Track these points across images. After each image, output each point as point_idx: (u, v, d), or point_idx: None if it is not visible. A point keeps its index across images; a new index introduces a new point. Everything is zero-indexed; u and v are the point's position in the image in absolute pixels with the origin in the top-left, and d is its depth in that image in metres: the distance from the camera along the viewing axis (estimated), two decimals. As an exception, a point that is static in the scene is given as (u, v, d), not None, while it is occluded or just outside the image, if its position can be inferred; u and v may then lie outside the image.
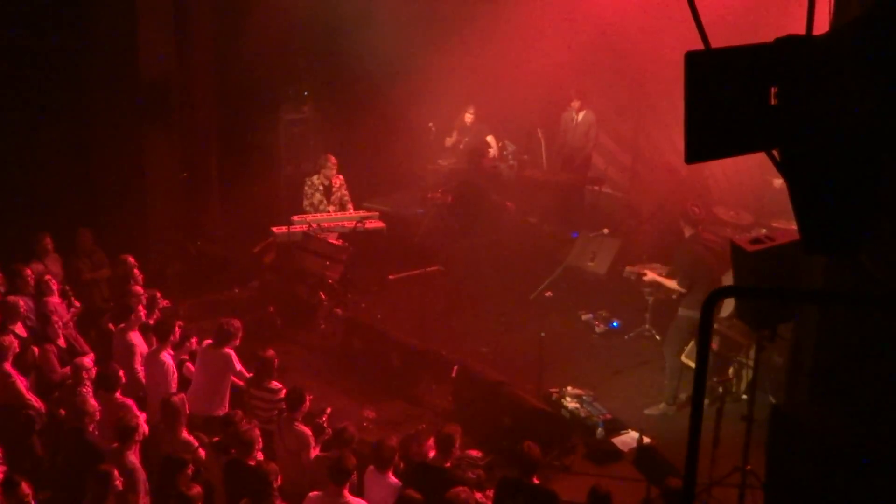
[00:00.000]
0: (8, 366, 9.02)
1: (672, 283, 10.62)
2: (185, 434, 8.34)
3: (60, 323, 10.01)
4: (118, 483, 7.35)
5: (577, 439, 9.80)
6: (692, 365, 10.78)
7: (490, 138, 15.16)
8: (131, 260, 11.23)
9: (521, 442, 7.93)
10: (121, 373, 8.97)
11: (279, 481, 7.42)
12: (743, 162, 12.76)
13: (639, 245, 13.19)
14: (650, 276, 11.10)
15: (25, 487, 7.30)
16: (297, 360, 11.47)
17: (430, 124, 15.23)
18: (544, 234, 14.01)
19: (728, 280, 10.68)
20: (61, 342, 9.86)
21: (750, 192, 13.41)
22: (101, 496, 7.29)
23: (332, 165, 13.25)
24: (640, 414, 10.32)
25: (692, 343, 10.83)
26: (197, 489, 7.31)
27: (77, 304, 10.80)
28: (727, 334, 10.42)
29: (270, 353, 9.31)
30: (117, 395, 8.80)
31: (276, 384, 9.18)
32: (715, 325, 9.94)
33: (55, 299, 10.39)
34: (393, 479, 7.85)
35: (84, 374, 9.02)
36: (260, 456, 8.04)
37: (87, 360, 9.27)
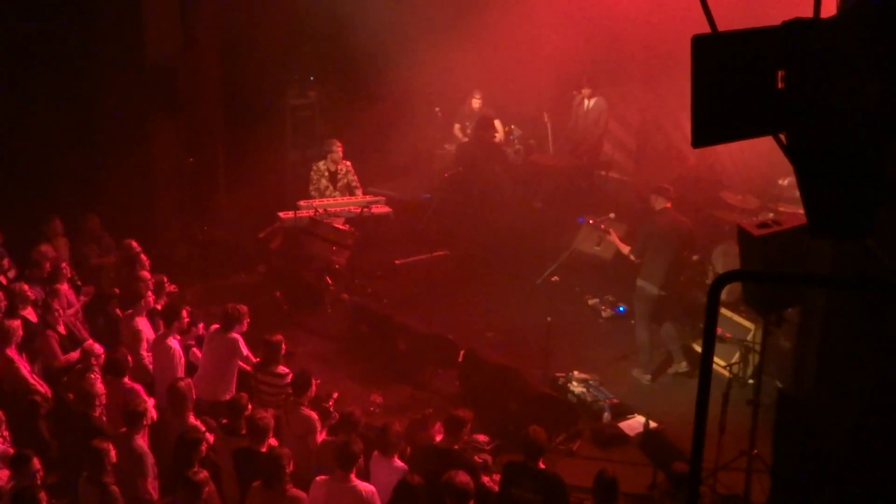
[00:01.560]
0: (11, 351, 9.01)
1: (626, 249, 11.00)
2: (191, 419, 8.37)
3: (62, 310, 9.98)
4: (113, 457, 7.38)
5: (584, 424, 9.81)
6: (699, 349, 10.83)
7: (496, 123, 15.14)
8: (135, 245, 11.25)
9: (531, 424, 7.95)
10: (129, 358, 9.01)
11: (291, 467, 7.43)
12: (749, 146, 12.72)
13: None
14: (613, 236, 11.32)
15: (37, 463, 7.36)
16: (304, 344, 11.48)
17: (437, 109, 15.21)
18: (550, 218, 14.00)
19: (728, 261, 10.77)
20: (61, 329, 9.82)
21: (757, 175, 13.37)
22: (96, 472, 7.32)
23: (338, 150, 13.25)
24: (647, 398, 10.34)
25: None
26: (203, 474, 7.34)
27: (90, 288, 10.81)
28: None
29: (278, 337, 9.32)
30: (125, 380, 8.82)
31: (282, 369, 9.20)
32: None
33: (65, 286, 10.43)
34: (398, 463, 7.86)
35: (93, 360, 9.04)
36: (273, 442, 8.07)
37: (97, 346, 9.29)
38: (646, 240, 10.68)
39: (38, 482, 7.37)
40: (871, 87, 3.26)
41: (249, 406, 8.41)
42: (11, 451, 7.94)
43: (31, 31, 12.50)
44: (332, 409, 8.83)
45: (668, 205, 10.61)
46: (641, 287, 10.71)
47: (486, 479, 7.93)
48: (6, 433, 8.25)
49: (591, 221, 12.37)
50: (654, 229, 10.63)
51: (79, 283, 10.86)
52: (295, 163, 15.02)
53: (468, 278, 12.93)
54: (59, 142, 13.01)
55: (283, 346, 9.36)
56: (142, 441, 7.98)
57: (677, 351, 10.83)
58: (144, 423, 8.07)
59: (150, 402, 8.59)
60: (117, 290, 10.83)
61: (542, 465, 7.74)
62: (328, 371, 10.60)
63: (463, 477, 7.16)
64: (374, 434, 8.16)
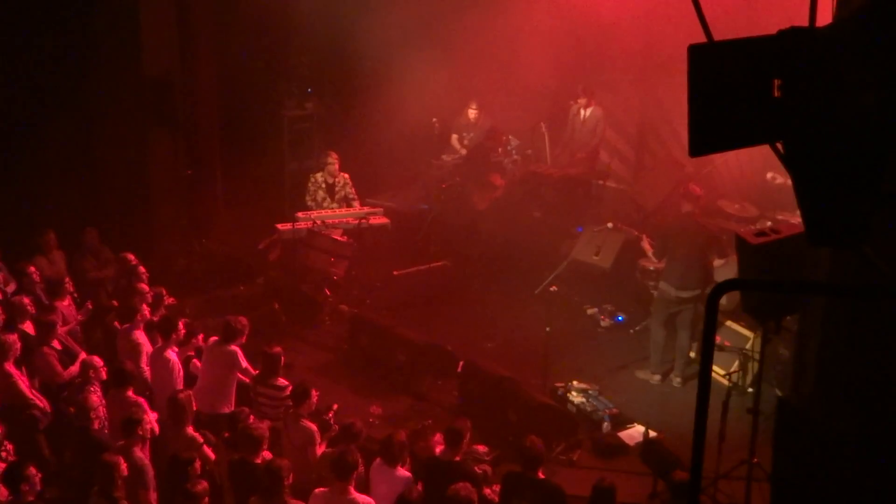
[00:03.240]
0: (9, 366, 8.97)
1: (650, 252, 11.11)
2: (190, 431, 8.35)
3: (58, 326, 9.94)
4: (124, 470, 7.37)
5: (583, 434, 9.80)
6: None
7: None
8: (131, 257, 11.24)
9: (529, 434, 7.94)
10: (132, 369, 9.00)
11: (291, 479, 7.40)
12: (747, 155, 12.76)
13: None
14: (644, 242, 11.34)
15: (32, 470, 7.34)
16: (303, 356, 11.47)
17: (434, 120, 15.21)
18: (549, 228, 14.00)
19: (727, 270, 10.77)
20: (56, 344, 9.77)
21: (754, 184, 13.40)
22: (107, 486, 7.31)
23: (334, 162, 13.25)
24: (647, 408, 10.33)
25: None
26: (203, 485, 7.32)
27: (89, 305, 10.80)
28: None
29: (277, 349, 9.31)
30: (129, 392, 8.81)
31: (282, 381, 9.19)
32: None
33: (66, 302, 10.41)
34: (401, 472, 7.83)
35: (91, 374, 9.02)
36: (267, 454, 8.05)
37: (96, 359, 9.27)
38: (663, 241, 10.74)
39: (35, 496, 7.35)
40: (867, 94, 3.26)
41: (251, 419, 8.41)
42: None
43: (29, 45, 12.51)
44: (332, 421, 8.81)
45: (693, 209, 10.61)
46: (662, 289, 10.79)
47: (487, 490, 7.91)
48: (10, 447, 8.22)
49: (613, 225, 12.37)
50: (670, 231, 10.70)
51: (75, 295, 10.84)
52: (293, 174, 15.02)
53: (467, 289, 12.92)
54: (57, 155, 13.01)
55: (283, 358, 9.35)
56: (140, 453, 7.96)
57: (681, 364, 10.81)
58: (144, 434, 8.05)
59: (154, 416, 8.58)
60: (116, 303, 10.82)
61: (541, 475, 7.73)
62: (327, 383, 10.59)
63: (466, 490, 7.14)
64: (375, 446, 8.14)
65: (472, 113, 15.11)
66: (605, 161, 15.11)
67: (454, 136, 15.29)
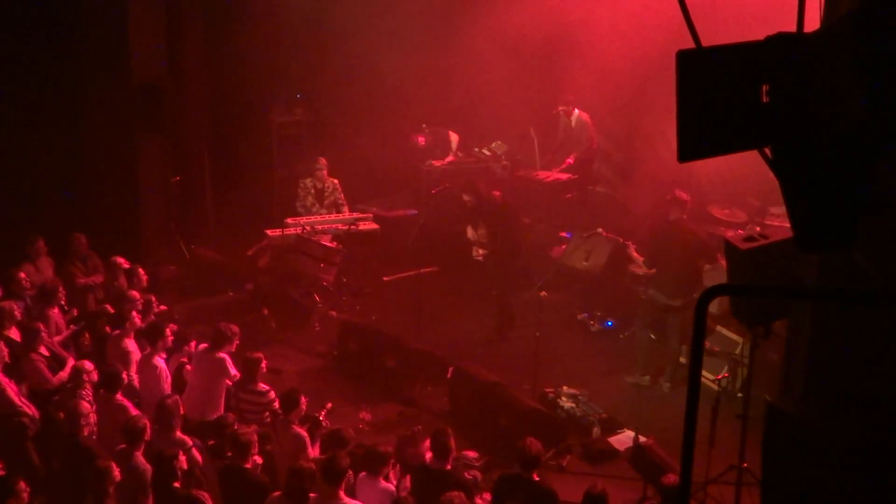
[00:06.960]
0: (-5, 372, 8.95)
1: (640, 259, 11.10)
2: (178, 434, 8.33)
3: (45, 333, 9.87)
4: (116, 476, 7.34)
5: (573, 439, 9.80)
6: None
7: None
8: (120, 261, 11.20)
9: (521, 438, 7.91)
10: (123, 374, 8.97)
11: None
12: (735, 160, 12.75)
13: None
14: (630, 248, 11.36)
15: (22, 485, 7.29)
16: (292, 362, 11.44)
17: (423, 125, 15.21)
18: (538, 233, 14.00)
19: (715, 275, 10.80)
20: (43, 351, 9.70)
21: (743, 189, 13.40)
22: (101, 492, 7.27)
23: (322, 167, 13.23)
24: (636, 413, 10.33)
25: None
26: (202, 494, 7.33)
27: (74, 312, 10.74)
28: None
29: (257, 355, 9.28)
30: (118, 396, 8.78)
31: (262, 386, 9.15)
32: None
33: (55, 311, 10.36)
34: (385, 483, 7.79)
35: (85, 377, 8.97)
36: (258, 459, 8.03)
37: (87, 363, 9.22)
38: (653, 251, 10.72)
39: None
40: (854, 100, 3.27)
41: (235, 425, 8.38)
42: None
43: (18, 51, 12.48)
44: (324, 420, 8.79)
45: (681, 215, 10.61)
46: (652, 296, 10.78)
47: (477, 500, 7.88)
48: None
49: (602, 232, 12.36)
50: (659, 239, 10.68)
51: (63, 304, 10.77)
52: (282, 180, 15.01)
53: (456, 294, 12.91)
54: (46, 162, 12.98)
55: (264, 363, 9.32)
56: (142, 457, 7.92)
57: (670, 369, 10.82)
58: (144, 439, 8.03)
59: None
60: (111, 308, 10.75)
61: (536, 478, 7.72)
62: (316, 389, 10.54)
63: (460, 499, 7.11)
64: (363, 452, 8.12)
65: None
66: (595, 166, 15.11)
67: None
